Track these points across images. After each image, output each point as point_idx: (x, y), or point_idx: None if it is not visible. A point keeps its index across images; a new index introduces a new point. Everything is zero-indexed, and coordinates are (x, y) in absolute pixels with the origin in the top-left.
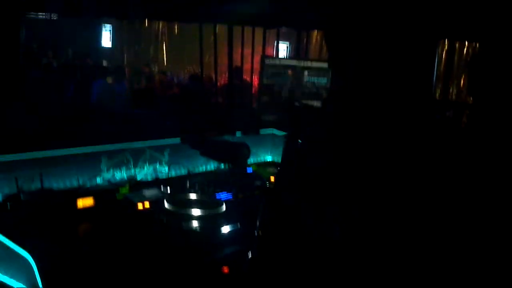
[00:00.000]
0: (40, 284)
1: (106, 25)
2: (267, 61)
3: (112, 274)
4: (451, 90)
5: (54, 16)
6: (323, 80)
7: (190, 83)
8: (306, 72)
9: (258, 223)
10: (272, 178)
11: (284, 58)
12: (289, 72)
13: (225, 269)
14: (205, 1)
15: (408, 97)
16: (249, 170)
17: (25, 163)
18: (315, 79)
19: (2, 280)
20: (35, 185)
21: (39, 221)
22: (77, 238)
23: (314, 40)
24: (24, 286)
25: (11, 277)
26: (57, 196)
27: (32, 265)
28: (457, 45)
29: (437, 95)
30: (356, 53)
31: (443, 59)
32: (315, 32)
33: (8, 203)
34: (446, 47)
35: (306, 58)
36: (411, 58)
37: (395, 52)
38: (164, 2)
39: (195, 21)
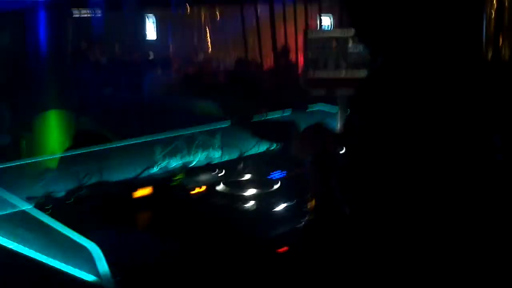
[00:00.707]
0: (106, 273)
1: (149, 16)
2: (309, 35)
3: (173, 259)
4: (503, 51)
5: (98, 13)
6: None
7: (236, 67)
8: (350, 41)
9: (308, 198)
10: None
11: (327, 30)
12: (334, 43)
13: (283, 249)
14: None
15: (457, 62)
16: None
17: (84, 157)
18: (360, 47)
19: (73, 273)
20: (95, 178)
21: (101, 213)
22: (138, 226)
23: None
24: (96, 278)
25: (80, 269)
26: (116, 187)
27: (96, 256)
28: (506, 2)
29: (489, 57)
30: (397, 18)
31: (492, 18)
32: None
33: (71, 197)
34: (495, 5)
35: (349, 27)
36: (457, 18)
37: (439, 12)
38: None
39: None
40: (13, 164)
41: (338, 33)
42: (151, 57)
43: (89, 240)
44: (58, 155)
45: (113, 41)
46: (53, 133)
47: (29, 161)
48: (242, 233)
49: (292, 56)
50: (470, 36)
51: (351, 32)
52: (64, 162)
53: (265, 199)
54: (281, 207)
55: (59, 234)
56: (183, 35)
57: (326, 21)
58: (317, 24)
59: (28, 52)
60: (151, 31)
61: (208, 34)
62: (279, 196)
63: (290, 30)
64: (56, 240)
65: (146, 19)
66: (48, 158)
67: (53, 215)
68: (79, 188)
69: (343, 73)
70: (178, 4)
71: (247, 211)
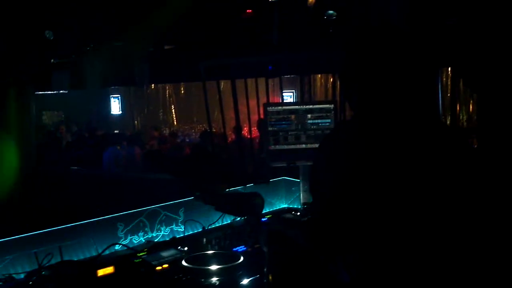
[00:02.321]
0: None
1: (114, 95)
2: (269, 108)
3: None
4: (460, 117)
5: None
6: (326, 121)
7: (201, 141)
8: (309, 115)
9: (266, 271)
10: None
11: (286, 103)
12: (293, 116)
13: None
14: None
15: (417, 125)
16: (265, 219)
17: (44, 237)
18: (318, 121)
19: None
20: (55, 259)
21: None
22: None
23: (318, 84)
24: None
25: None
26: (77, 267)
27: None
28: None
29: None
30: (364, 86)
31: (448, 87)
32: (319, 76)
33: (29, 279)
34: (450, 75)
35: (309, 102)
36: (415, 87)
37: (399, 83)
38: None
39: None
40: None
41: (297, 106)
42: (116, 132)
43: None
44: (17, 236)
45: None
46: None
47: None
48: None
49: (254, 129)
50: (427, 104)
51: (309, 105)
52: (23, 242)
53: (229, 274)
54: (245, 281)
55: None
56: (148, 110)
57: (289, 95)
58: (280, 98)
59: None
60: (115, 107)
61: (172, 109)
62: (243, 270)
63: (252, 103)
64: None
65: (111, 96)
66: (6, 239)
67: None
68: (39, 269)
69: (303, 145)
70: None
71: (212, 286)
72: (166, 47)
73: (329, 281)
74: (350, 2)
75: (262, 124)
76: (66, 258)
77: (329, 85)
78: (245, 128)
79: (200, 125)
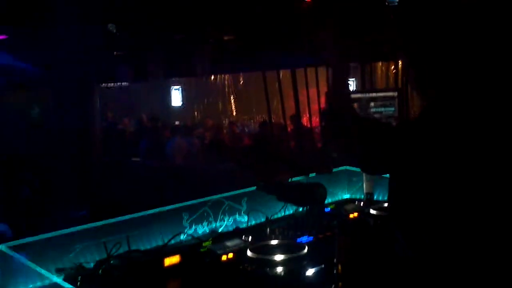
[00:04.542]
0: None
1: (175, 86)
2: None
3: None
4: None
5: (126, 84)
6: (390, 109)
7: (260, 131)
8: (372, 103)
9: (336, 260)
10: (351, 215)
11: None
12: (356, 105)
13: None
14: (266, 50)
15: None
16: (327, 209)
17: (112, 227)
18: (382, 109)
19: None
20: (123, 249)
21: (131, 283)
22: None
23: (379, 71)
24: None
25: None
26: (144, 257)
27: None
28: None
29: None
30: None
31: None
32: (379, 64)
33: (99, 268)
34: None
35: (371, 90)
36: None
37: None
38: (227, 56)
39: (258, 69)
40: (42, 238)
41: (360, 95)
42: (177, 124)
43: None
44: (87, 226)
45: (139, 111)
46: None
47: (58, 234)
48: None
49: (315, 119)
50: None
51: (372, 94)
52: (92, 232)
53: (294, 264)
54: (310, 271)
55: None
56: (207, 101)
57: (349, 83)
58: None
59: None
60: (176, 99)
61: (232, 99)
62: (308, 260)
63: (313, 93)
64: None
65: (172, 87)
66: (77, 229)
67: (82, 287)
68: (108, 258)
69: None
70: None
71: (277, 276)
72: (225, 38)
73: (397, 269)
74: None
75: (324, 114)
76: (133, 247)
77: (390, 73)
78: (305, 118)
79: (259, 115)
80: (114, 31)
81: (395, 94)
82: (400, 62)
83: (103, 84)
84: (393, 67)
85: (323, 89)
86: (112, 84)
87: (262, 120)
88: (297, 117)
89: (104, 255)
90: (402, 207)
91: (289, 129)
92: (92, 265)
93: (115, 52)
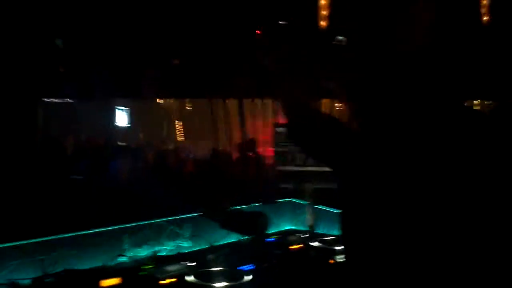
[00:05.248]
0: None
1: (120, 106)
2: (277, 129)
3: None
4: None
5: (70, 100)
6: None
7: (207, 158)
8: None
9: None
10: (293, 246)
11: None
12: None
13: None
14: (215, 78)
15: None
16: (271, 239)
17: (50, 245)
18: None
19: None
20: (60, 267)
21: None
22: None
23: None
24: None
25: None
26: (80, 277)
27: None
28: None
29: None
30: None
31: None
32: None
33: (34, 286)
34: None
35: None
36: None
37: None
38: (175, 82)
39: (206, 97)
40: None
41: None
42: (121, 145)
43: None
44: (23, 242)
45: (81, 129)
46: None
47: None
48: None
49: (262, 149)
50: None
51: None
52: (29, 249)
53: None
54: None
55: None
56: (153, 124)
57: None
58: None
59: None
60: (121, 119)
61: (178, 124)
62: None
63: (259, 124)
64: None
65: (117, 108)
66: (12, 244)
67: None
68: (43, 276)
69: (309, 167)
70: (148, 96)
71: None
72: (174, 62)
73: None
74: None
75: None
76: (70, 267)
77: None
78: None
79: (204, 141)
80: (61, 46)
81: None
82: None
83: (48, 99)
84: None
85: (271, 121)
86: (57, 100)
87: (208, 146)
88: (242, 145)
89: (40, 273)
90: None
91: (234, 157)
92: (26, 282)
93: (60, 68)
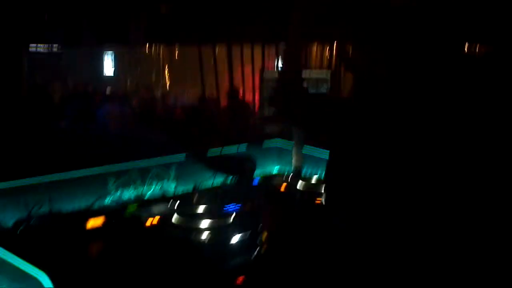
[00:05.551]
0: None
1: (108, 52)
2: (265, 75)
3: None
4: None
5: (56, 48)
6: (322, 89)
7: (193, 102)
8: (305, 82)
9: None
10: (280, 188)
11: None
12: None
13: (239, 279)
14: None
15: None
16: (256, 181)
17: (34, 187)
18: (314, 89)
19: None
20: (45, 209)
21: (51, 243)
22: (89, 258)
23: (314, 52)
24: None
25: None
26: (66, 218)
27: (45, 286)
28: None
29: None
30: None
31: None
32: (315, 44)
33: (18, 228)
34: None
35: (305, 68)
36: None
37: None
38: (163, 27)
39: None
40: None
41: None
42: (109, 91)
43: (39, 270)
44: (8, 184)
45: (69, 76)
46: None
47: None
48: (197, 265)
49: (249, 94)
50: None
51: (306, 72)
52: (13, 191)
53: (220, 230)
54: (235, 237)
55: (7, 264)
56: (141, 71)
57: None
58: (274, 65)
59: None
60: (109, 67)
61: (166, 70)
62: (234, 227)
63: (248, 69)
64: (4, 270)
65: (105, 55)
66: None
67: (1, 245)
68: (29, 218)
69: None
70: (137, 42)
71: (202, 243)
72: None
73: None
74: None
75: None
76: (55, 209)
77: (326, 54)
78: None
79: (193, 89)
80: None
81: (328, 74)
82: (335, 43)
83: (33, 47)
84: (328, 48)
85: (259, 66)
86: (43, 48)
87: (195, 93)
88: (231, 91)
89: (24, 215)
90: (340, 180)
91: (223, 103)
92: (10, 223)
93: (46, 15)
